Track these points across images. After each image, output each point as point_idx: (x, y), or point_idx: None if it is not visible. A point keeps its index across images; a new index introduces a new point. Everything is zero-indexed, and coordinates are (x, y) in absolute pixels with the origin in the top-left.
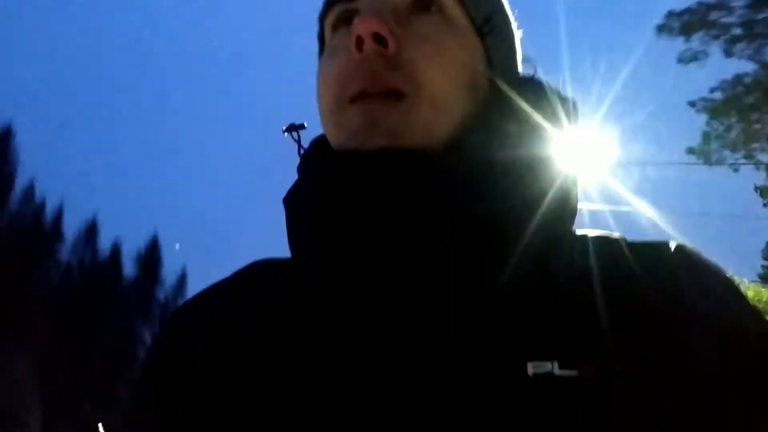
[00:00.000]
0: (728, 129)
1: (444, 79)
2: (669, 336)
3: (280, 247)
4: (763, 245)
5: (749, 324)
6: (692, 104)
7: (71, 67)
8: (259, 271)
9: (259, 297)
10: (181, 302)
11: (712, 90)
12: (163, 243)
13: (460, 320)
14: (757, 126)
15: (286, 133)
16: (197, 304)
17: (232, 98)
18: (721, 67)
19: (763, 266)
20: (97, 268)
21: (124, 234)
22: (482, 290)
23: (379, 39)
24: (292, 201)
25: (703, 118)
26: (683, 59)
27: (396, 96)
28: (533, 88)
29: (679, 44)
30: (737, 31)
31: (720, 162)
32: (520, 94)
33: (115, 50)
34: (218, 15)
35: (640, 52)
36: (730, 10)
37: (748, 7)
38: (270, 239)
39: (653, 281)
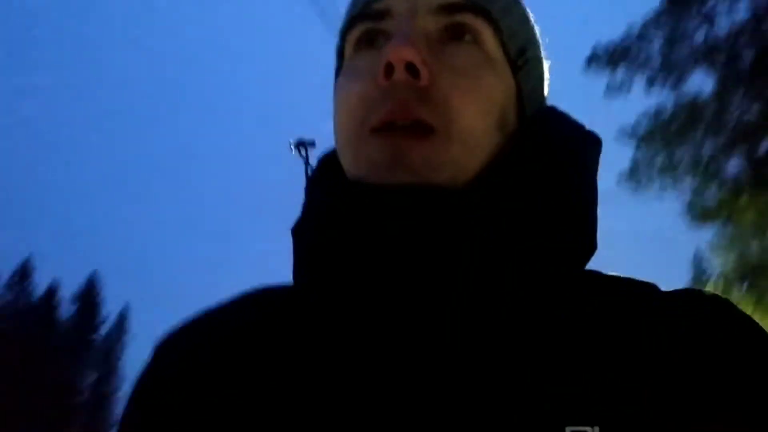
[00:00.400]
0: (654, 156)
1: (477, 116)
2: (715, 399)
3: (224, 285)
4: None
5: None
6: (623, 133)
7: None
8: (257, 297)
9: (259, 320)
10: (121, 343)
11: (639, 119)
12: (104, 282)
13: (482, 369)
14: (680, 154)
15: (294, 150)
16: (191, 329)
17: (176, 131)
18: (647, 98)
19: (693, 275)
20: (32, 310)
21: (61, 274)
22: (507, 334)
23: (410, 68)
24: (300, 228)
25: (627, 148)
26: (609, 90)
27: (424, 130)
28: (559, 122)
29: (605, 76)
30: (657, 64)
31: (647, 188)
32: (547, 128)
33: (56, 87)
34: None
35: (567, 84)
36: (650, 44)
37: (666, 41)
38: (213, 277)
39: (693, 337)
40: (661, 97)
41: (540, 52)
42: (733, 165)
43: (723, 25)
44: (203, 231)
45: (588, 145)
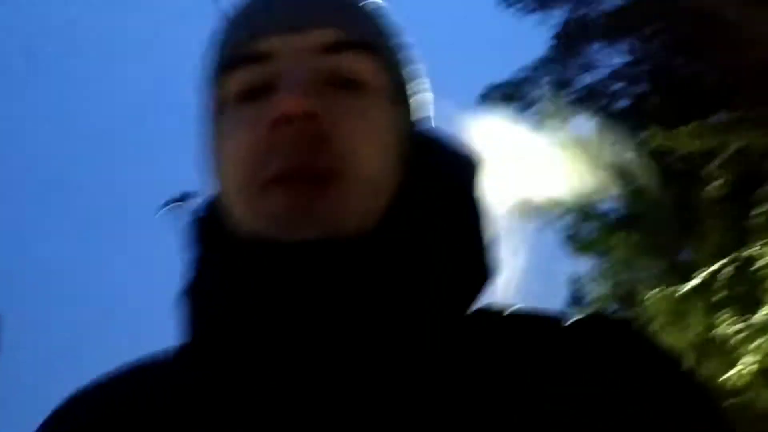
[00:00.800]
0: None
1: (377, 156)
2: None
3: (101, 287)
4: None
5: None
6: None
7: None
8: (148, 365)
9: (158, 389)
10: None
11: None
12: None
13: (390, 418)
14: None
15: (173, 205)
16: (83, 402)
17: (63, 134)
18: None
19: (571, 299)
20: None
21: None
22: (422, 388)
23: (303, 116)
24: (196, 291)
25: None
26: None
27: (325, 178)
28: (441, 150)
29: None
30: (546, 105)
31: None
32: (436, 152)
33: None
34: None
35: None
36: (539, 86)
37: (553, 84)
38: (90, 278)
39: (616, 368)
40: (547, 137)
41: (421, 77)
42: (607, 204)
43: (603, 72)
44: (83, 238)
45: (470, 168)
